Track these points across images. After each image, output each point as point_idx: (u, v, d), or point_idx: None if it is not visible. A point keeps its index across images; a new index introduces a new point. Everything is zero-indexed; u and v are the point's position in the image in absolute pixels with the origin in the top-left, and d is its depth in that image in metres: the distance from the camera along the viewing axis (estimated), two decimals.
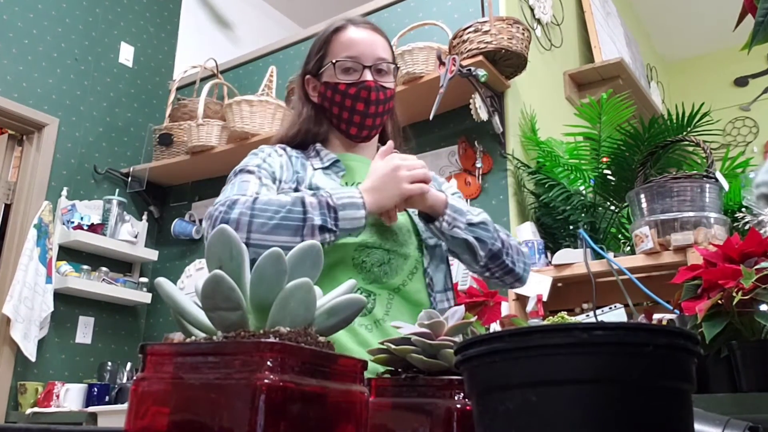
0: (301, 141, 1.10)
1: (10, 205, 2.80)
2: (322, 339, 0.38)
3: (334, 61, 1.05)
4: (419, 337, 0.45)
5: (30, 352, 2.49)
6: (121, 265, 2.94)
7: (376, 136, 1.13)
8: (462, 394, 0.42)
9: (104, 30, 3.12)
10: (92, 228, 2.77)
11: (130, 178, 2.96)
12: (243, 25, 3.89)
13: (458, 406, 0.42)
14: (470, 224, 0.99)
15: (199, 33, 3.59)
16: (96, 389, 2.48)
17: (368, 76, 1.04)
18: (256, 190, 0.95)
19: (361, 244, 0.97)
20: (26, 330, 2.49)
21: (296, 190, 1.00)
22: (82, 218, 2.77)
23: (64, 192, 2.77)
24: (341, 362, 0.37)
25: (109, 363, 2.71)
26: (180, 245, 2.97)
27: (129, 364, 2.73)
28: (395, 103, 1.14)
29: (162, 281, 0.39)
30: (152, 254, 2.97)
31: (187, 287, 2.79)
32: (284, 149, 1.08)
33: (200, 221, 2.93)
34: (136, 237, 2.90)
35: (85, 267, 2.71)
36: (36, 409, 2.44)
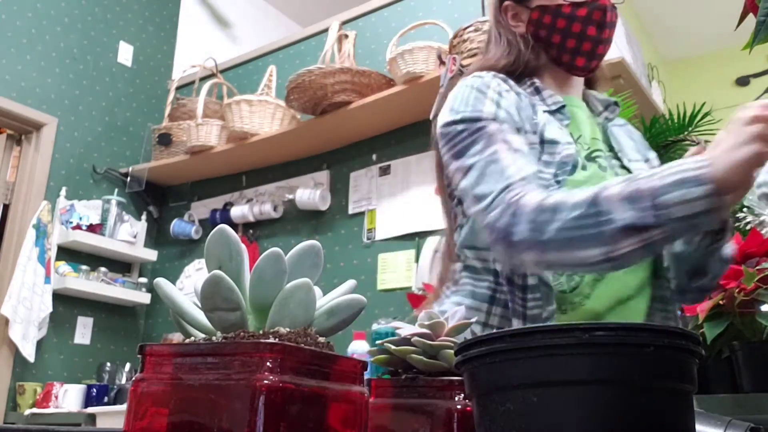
0: (516, 71, 0.88)
1: (9, 205, 2.79)
2: (321, 339, 0.38)
3: None
4: (419, 337, 0.45)
5: (28, 352, 2.49)
6: (120, 266, 2.94)
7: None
8: (462, 395, 0.42)
9: (103, 29, 3.12)
10: (91, 228, 2.77)
11: (129, 178, 2.96)
12: (242, 24, 3.89)
13: (458, 406, 0.42)
14: (723, 258, 0.80)
15: (199, 32, 3.59)
16: (95, 390, 2.48)
17: None
18: (516, 170, 0.74)
19: None
20: (25, 330, 2.49)
21: (539, 143, 0.79)
22: (80, 218, 2.77)
23: (63, 192, 2.77)
24: (341, 363, 0.37)
25: (108, 364, 2.70)
26: (179, 245, 2.96)
27: (128, 365, 2.72)
28: None
29: (161, 282, 0.39)
30: (151, 254, 2.96)
31: (187, 288, 2.79)
32: (506, 81, 0.86)
33: (199, 221, 2.93)
34: (135, 237, 2.89)
35: (84, 267, 2.71)
36: (35, 410, 2.43)
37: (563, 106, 0.85)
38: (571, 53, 0.86)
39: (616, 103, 0.92)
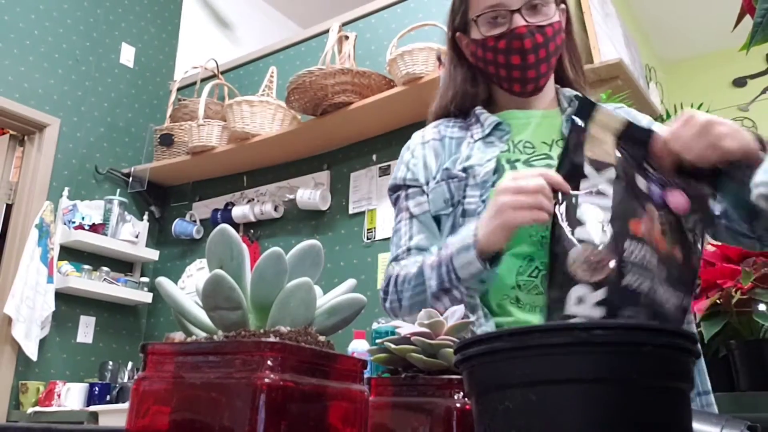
0: (459, 107, 0.96)
1: (12, 205, 2.80)
2: (322, 338, 0.38)
3: (474, 17, 0.89)
4: (419, 336, 0.45)
5: (31, 351, 2.50)
6: (122, 265, 2.95)
7: (551, 80, 0.94)
8: (461, 394, 0.42)
9: (105, 31, 3.13)
10: (93, 228, 2.78)
11: (131, 179, 2.96)
12: (243, 25, 3.90)
13: (458, 405, 0.42)
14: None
15: (200, 34, 3.59)
16: (97, 388, 2.49)
17: (519, 21, 0.86)
18: (406, 240, 0.91)
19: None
20: (28, 329, 2.49)
21: (450, 178, 0.89)
22: (83, 218, 2.77)
23: (66, 192, 2.78)
24: (341, 361, 0.37)
25: (110, 362, 2.71)
26: (181, 245, 2.97)
27: (130, 364, 2.73)
28: (566, 34, 0.94)
29: (163, 281, 0.40)
30: (153, 254, 2.97)
31: (188, 287, 2.79)
32: (438, 131, 0.96)
33: (201, 221, 2.94)
34: (137, 237, 2.90)
35: (86, 267, 2.71)
36: (37, 409, 2.44)
37: (499, 123, 0.91)
38: (507, 81, 0.90)
39: (576, 97, 0.92)
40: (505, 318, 0.82)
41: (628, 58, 3.12)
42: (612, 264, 0.63)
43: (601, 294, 0.61)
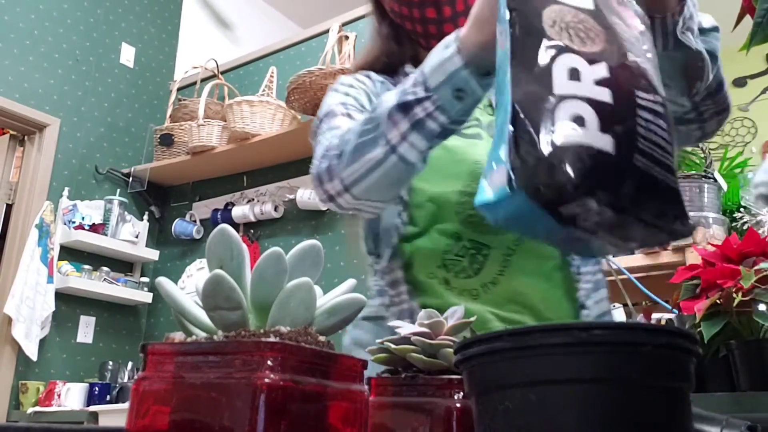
0: (385, 64, 0.89)
1: (12, 205, 2.80)
2: (322, 338, 0.38)
3: None
4: (419, 336, 0.45)
5: (31, 351, 2.50)
6: (122, 265, 2.95)
7: None
8: (462, 394, 0.42)
9: (105, 31, 3.13)
10: (93, 228, 2.78)
11: (131, 179, 2.97)
12: (243, 25, 3.90)
13: (458, 405, 0.42)
14: (702, 29, 0.66)
15: (200, 34, 3.59)
16: (97, 388, 2.49)
17: None
18: (347, 112, 0.78)
19: (463, 191, 0.76)
20: (28, 329, 2.50)
21: None
22: (83, 218, 2.77)
23: (66, 192, 2.78)
24: (341, 361, 0.37)
25: (110, 362, 2.71)
26: (181, 245, 2.97)
27: (130, 364, 2.73)
28: None
29: (163, 281, 0.40)
30: (153, 254, 2.97)
31: (188, 287, 2.79)
32: (368, 76, 0.87)
33: (201, 221, 2.94)
34: (137, 237, 2.90)
35: (87, 267, 2.72)
36: (37, 408, 2.44)
37: None
38: (424, 38, 0.83)
39: None
40: (434, 299, 0.75)
41: None
42: (604, 38, 0.44)
43: (602, 70, 0.42)
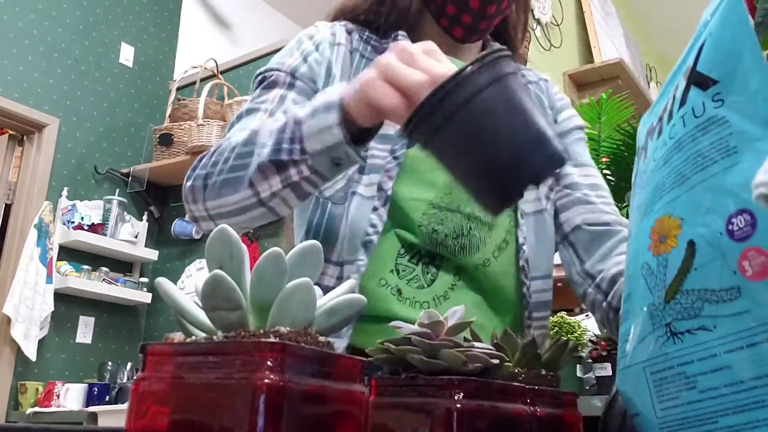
0: (375, 20, 0.77)
1: (11, 205, 2.80)
2: (322, 339, 0.38)
3: None
4: (419, 337, 0.45)
5: (30, 351, 2.50)
6: (121, 265, 2.95)
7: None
8: (462, 394, 0.42)
9: (104, 30, 3.13)
10: (92, 228, 2.78)
11: (130, 178, 2.96)
12: (243, 25, 3.90)
13: (458, 405, 0.42)
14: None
15: (200, 33, 3.59)
16: (96, 389, 2.49)
17: None
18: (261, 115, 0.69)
19: (433, 203, 0.71)
20: (27, 330, 2.49)
21: None
22: (82, 218, 2.77)
23: (65, 192, 2.78)
24: (341, 362, 0.37)
25: (110, 363, 2.71)
26: (180, 245, 2.97)
27: (129, 364, 2.73)
28: None
29: (162, 281, 0.39)
30: (152, 254, 2.97)
31: (188, 287, 2.79)
32: (348, 33, 0.77)
33: None
34: (136, 237, 2.90)
35: (86, 267, 2.71)
36: (36, 409, 2.44)
37: None
38: (450, 20, 0.75)
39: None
40: (383, 310, 0.67)
41: (628, 57, 3.13)
42: None
43: None
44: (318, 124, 0.55)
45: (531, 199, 0.76)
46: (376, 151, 0.71)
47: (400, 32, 0.77)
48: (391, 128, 0.64)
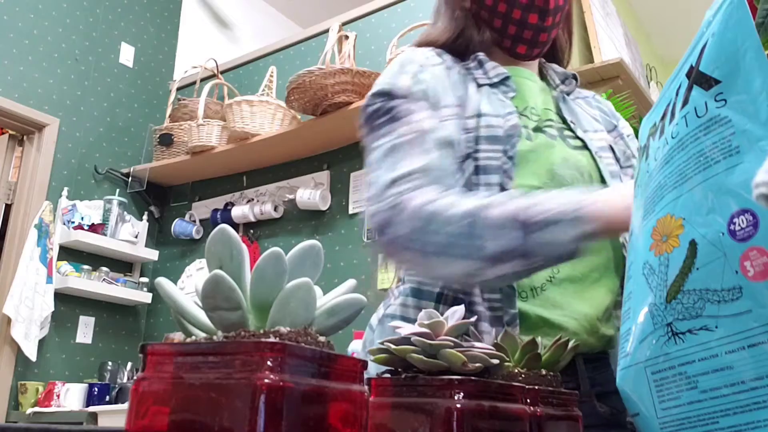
0: (461, 48, 0.83)
1: (11, 205, 2.80)
2: (322, 339, 0.38)
3: None
4: (419, 337, 0.45)
5: (30, 351, 2.50)
6: (121, 265, 2.95)
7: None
8: (462, 394, 0.42)
9: (105, 30, 3.13)
10: (93, 228, 2.78)
11: (130, 178, 2.96)
12: (243, 25, 3.90)
13: (458, 405, 0.42)
14: None
15: (200, 33, 3.59)
16: (96, 389, 2.48)
17: None
18: (414, 160, 0.70)
19: (540, 188, 0.74)
20: (27, 330, 2.49)
21: (476, 116, 0.76)
22: (82, 218, 2.77)
23: (65, 192, 2.78)
24: (341, 362, 0.37)
25: (110, 363, 2.71)
26: (180, 245, 2.97)
27: (129, 364, 2.73)
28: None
29: (162, 281, 0.39)
30: (152, 254, 2.97)
31: (188, 287, 2.79)
32: (440, 55, 0.82)
33: (200, 221, 2.93)
34: (136, 237, 2.90)
35: (86, 267, 2.71)
36: (36, 409, 2.44)
37: (507, 77, 0.79)
38: (512, 39, 0.81)
39: (574, 77, 0.88)
40: (546, 310, 0.70)
41: (628, 57, 3.12)
42: None
43: None
44: (551, 239, 0.60)
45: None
46: (491, 153, 0.73)
47: (480, 54, 0.82)
48: (499, 129, 0.73)
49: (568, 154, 0.78)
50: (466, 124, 0.74)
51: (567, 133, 0.81)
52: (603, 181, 0.77)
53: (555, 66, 0.89)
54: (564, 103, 0.85)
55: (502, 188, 0.72)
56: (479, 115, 0.75)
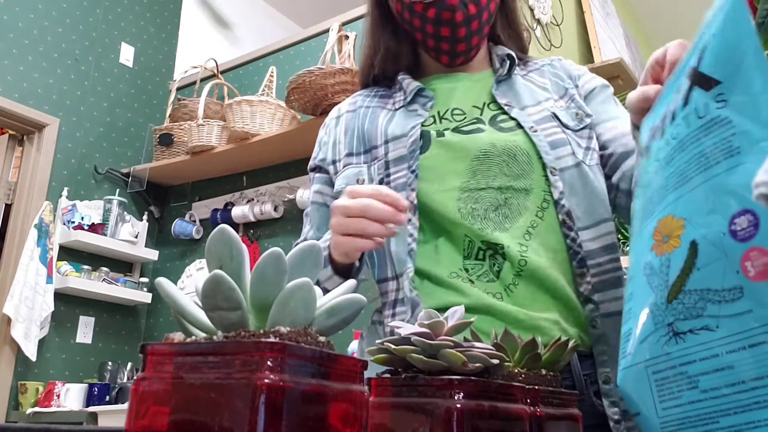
0: (383, 69, 0.89)
1: (11, 205, 2.80)
2: (322, 339, 0.38)
3: None
4: (419, 337, 0.45)
5: (30, 351, 2.50)
6: (121, 265, 2.95)
7: (484, 44, 0.88)
8: (462, 394, 0.42)
9: (105, 30, 3.13)
10: (93, 228, 2.78)
11: (130, 178, 2.96)
12: (243, 25, 3.90)
13: (458, 406, 0.42)
14: None
15: (200, 33, 3.59)
16: (96, 389, 2.48)
17: None
18: (307, 229, 0.89)
19: (462, 188, 0.76)
20: (27, 330, 2.49)
21: (369, 151, 0.83)
22: (82, 218, 2.77)
23: (65, 192, 2.78)
24: (341, 362, 0.37)
25: (110, 363, 2.71)
26: (180, 245, 2.97)
27: (129, 364, 2.73)
28: None
29: (162, 281, 0.39)
30: (152, 254, 2.97)
31: (188, 287, 2.79)
32: (355, 102, 0.90)
33: (200, 221, 2.93)
34: (136, 237, 2.90)
35: (86, 267, 2.71)
36: (36, 409, 2.44)
37: (421, 89, 0.84)
38: (434, 51, 0.84)
39: (509, 56, 0.86)
40: (457, 297, 0.72)
41: (628, 57, 3.12)
42: None
43: None
44: (324, 275, 0.74)
45: (563, 155, 0.78)
46: (399, 173, 0.79)
47: (399, 74, 0.87)
48: (403, 149, 0.80)
49: (497, 138, 0.78)
50: (375, 154, 0.83)
51: (501, 117, 0.81)
52: (539, 156, 0.77)
53: (499, 48, 0.89)
54: (498, 87, 0.84)
55: (411, 203, 0.78)
56: (386, 142, 0.82)
